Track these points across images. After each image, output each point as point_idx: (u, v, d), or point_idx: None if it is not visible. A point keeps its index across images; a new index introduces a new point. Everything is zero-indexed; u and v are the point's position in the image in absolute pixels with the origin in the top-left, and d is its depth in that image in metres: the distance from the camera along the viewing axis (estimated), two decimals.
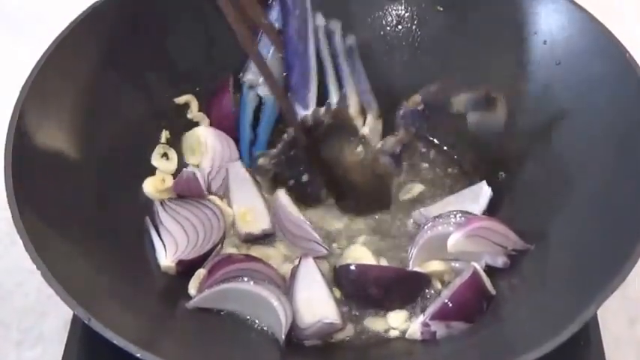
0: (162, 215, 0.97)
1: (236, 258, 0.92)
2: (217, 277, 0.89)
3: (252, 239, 0.98)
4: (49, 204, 0.84)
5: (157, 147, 1.03)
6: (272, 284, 0.88)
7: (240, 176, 1.02)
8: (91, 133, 0.93)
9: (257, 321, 0.89)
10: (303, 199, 1.01)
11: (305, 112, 0.99)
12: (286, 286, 0.91)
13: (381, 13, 1.10)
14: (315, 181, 1.01)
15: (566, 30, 0.97)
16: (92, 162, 0.92)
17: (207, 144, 1.05)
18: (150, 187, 1.00)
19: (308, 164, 1.00)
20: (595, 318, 0.89)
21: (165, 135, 1.04)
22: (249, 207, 1.00)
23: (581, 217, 0.87)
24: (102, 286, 0.82)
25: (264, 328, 0.88)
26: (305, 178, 1.01)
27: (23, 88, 0.87)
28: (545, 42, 0.99)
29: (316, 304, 0.89)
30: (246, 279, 0.87)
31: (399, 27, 1.10)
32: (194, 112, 1.07)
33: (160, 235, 0.96)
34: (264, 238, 0.99)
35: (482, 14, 1.03)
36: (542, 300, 0.82)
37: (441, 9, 1.06)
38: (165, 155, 1.04)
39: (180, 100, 1.07)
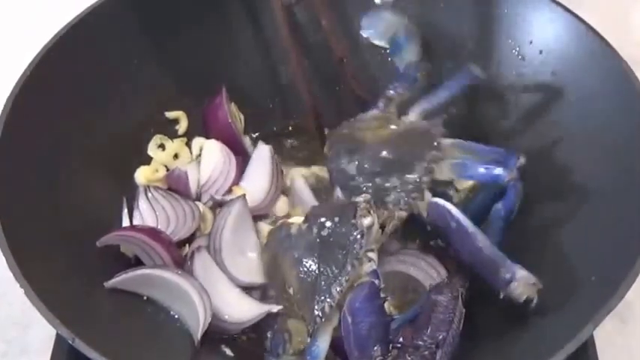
0: (141, 200, 0.98)
1: (144, 229, 0.93)
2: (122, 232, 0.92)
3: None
4: (32, 220, 0.83)
5: (154, 137, 1.04)
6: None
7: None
8: (77, 146, 0.93)
9: (176, 315, 0.89)
10: None
11: None
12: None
13: None
14: None
15: (562, 39, 0.96)
16: (76, 174, 0.92)
17: (210, 157, 1.04)
18: (141, 176, 1.01)
19: None
20: None
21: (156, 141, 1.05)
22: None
23: (578, 234, 0.86)
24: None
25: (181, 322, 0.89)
26: None
27: (9, 98, 0.87)
28: (540, 52, 0.98)
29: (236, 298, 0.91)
30: (172, 269, 0.89)
31: None
32: (183, 129, 1.07)
33: (131, 218, 0.97)
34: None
35: (478, 21, 1.03)
36: (538, 319, 0.81)
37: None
38: (161, 146, 1.05)
39: (171, 115, 1.06)
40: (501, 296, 0.82)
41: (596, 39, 0.93)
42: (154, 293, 0.89)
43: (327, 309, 0.83)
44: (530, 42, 0.99)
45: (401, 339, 0.81)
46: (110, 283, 0.87)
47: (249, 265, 0.95)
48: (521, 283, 0.81)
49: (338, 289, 0.83)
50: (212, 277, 0.91)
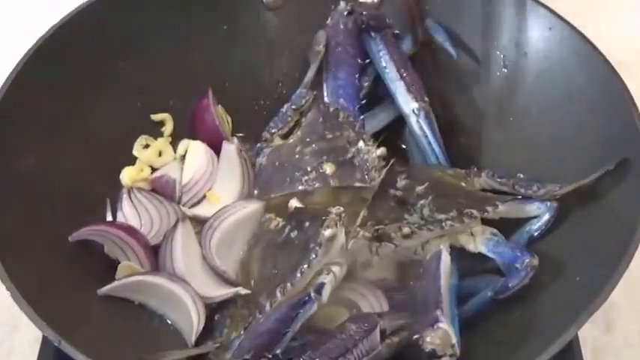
0: (125, 202, 0.98)
1: (121, 225, 0.94)
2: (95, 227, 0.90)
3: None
4: (18, 222, 0.83)
5: (139, 138, 1.04)
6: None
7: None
8: (61, 149, 0.93)
9: (169, 320, 0.89)
10: None
11: None
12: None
13: None
14: None
15: (547, 41, 0.96)
16: (61, 176, 0.92)
17: (193, 158, 1.04)
18: (126, 176, 1.00)
19: None
20: None
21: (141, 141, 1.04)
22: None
23: (562, 235, 0.87)
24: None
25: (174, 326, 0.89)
26: None
27: None
28: (525, 53, 0.98)
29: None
30: (166, 275, 0.89)
31: None
32: (168, 131, 1.06)
33: (114, 220, 0.97)
34: None
35: (464, 26, 1.03)
36: (522, 320, 0.81)
37: None
38: (147, 147, 1.04)
39: (157, 117, 1.06)
40: (414, 337, 0.76)
41: (580, 39, 0.93)
42: (147, 299, 0.89)
43: (267, 308, 0.82)
44: (516, 45, 0.99)
45: (278, 351, 0.75)
46: (102, 291, 0.87)
47: (228, 258, 0.93)
48: (437, 334, 0.75)
49: (280, 292, 0.82)
50: (190, 248, 0.92)
